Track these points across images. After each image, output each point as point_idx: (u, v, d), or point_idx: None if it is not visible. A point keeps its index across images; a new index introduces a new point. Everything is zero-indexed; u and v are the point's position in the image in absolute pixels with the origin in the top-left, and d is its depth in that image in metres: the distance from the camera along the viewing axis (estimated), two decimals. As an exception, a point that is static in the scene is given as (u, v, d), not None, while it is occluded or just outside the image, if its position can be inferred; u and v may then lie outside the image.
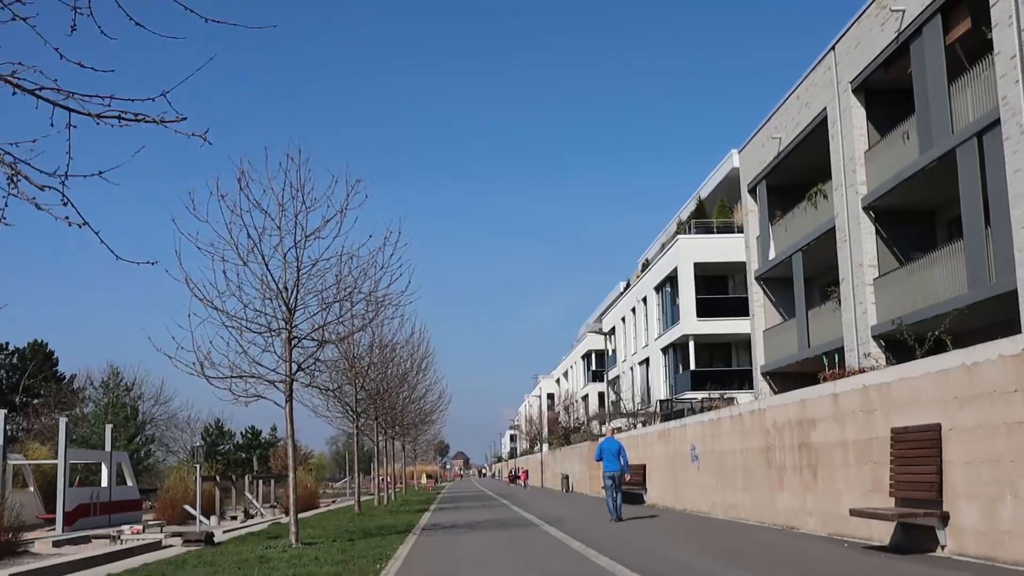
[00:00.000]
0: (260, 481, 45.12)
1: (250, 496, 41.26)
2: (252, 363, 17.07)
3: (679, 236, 46.30)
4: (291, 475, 17.22)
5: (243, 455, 66.20)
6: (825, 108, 27.22)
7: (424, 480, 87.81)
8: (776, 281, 33.68)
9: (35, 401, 58.89)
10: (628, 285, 64.96)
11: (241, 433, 73.81)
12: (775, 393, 29.00)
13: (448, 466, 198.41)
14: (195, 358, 16.24)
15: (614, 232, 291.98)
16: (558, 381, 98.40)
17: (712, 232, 45.93)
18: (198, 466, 36.13)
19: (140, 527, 25.97)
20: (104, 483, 37.93)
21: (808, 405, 15.22)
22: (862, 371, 18.28)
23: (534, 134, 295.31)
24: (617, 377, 62.42)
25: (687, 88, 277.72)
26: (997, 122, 18.73)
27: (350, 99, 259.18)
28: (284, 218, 16.85)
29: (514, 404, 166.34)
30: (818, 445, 14.82)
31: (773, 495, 17.05)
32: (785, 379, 31.82)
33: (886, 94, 25.38)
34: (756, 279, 34.15)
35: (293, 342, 17.17)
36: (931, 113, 21.58)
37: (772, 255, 32.57)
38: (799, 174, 31.36)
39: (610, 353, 67.34)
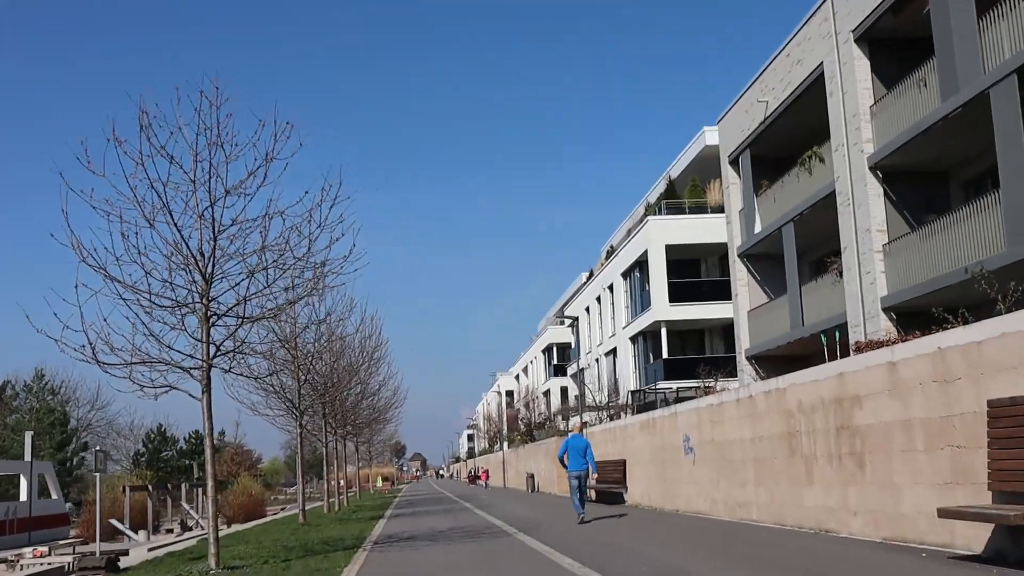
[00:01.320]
0: (200, 489, 41.52)
1: (187, 506, 37.78)
2: (163, 347, 13.86)
3: (649, 217, 43.50)
4: (209, 482, 13.96)
5: (187, 461, 62.21)
6: (822, 63, 24.45)
7: (379, 483, 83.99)
8: (761, 258, 30.96)
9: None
10: (591, 274, 62.15)
11: (184, 438, 69.79)
12: (761, 379, 26.21)
13: (405, 468, 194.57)
14: (85, 340, 12.99)
15: (570, 231, 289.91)
16: (517, 378, 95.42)
17: (684, 213, 43.17)
18: (130, 475, 32.68)
19: (45, 549, 22.52)
20: (24, 497, 34.26)
21: (850, 379, 12.31)
22: (882, 344, 15.50)
23: (485, 126, 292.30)
24: (582, 370, 59.51)
25: (647, 75, 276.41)
26: (1044, 51, 16.03)
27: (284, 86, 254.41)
28: (199, 170, 13.67)
29: (471, 403, 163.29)
30: (865, 428, 11.92)
31: (798, 491, 14.15)
32: (773, 363, 29.13)
33: (893, 43, 22.70)
34: (739, 256, 31.38)
35: (211, 319, 13.96)
36: (956, 54, 18.85)
37: (758, 229, 29.81)
38: (787, 142, 28.68)
39: (573, 346, 64.47)
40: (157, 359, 13.75)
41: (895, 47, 22.65)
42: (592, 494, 29.69)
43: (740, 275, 31.44)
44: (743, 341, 31.08)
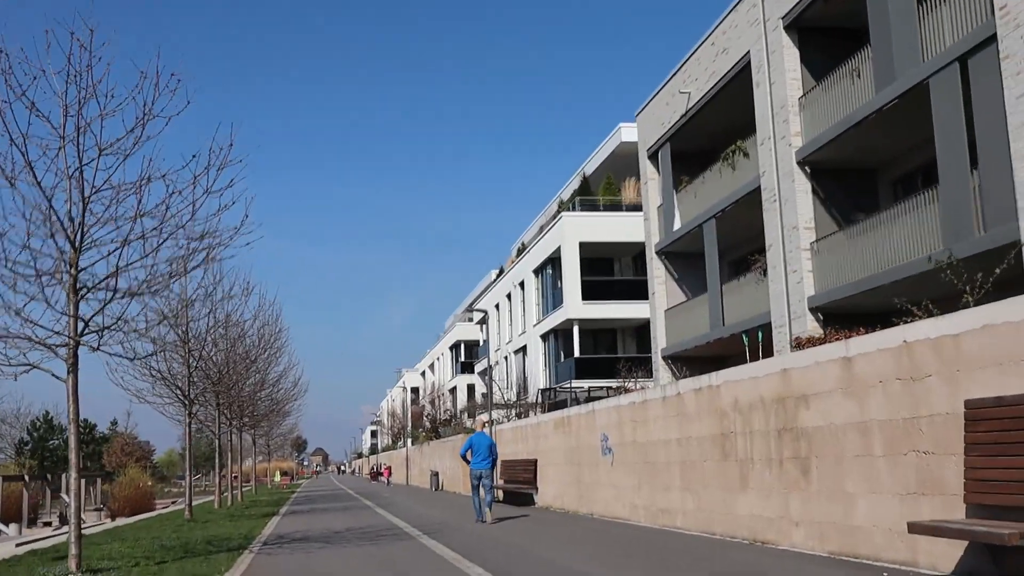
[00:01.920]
0: (84, 480, 38.95)
1: (67, 498, 35.19)
2: (25, 322, 12.09)
3: (563, 213, 42.46)
4: (72, 473, 12.21)
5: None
6: (749, 52, 23.65)
7: (278, 478, 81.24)
8: (680, 256, 30.16)
9: None
10: (501, 271, 60.99)
11: (70, 427, 66.17)
12: (677, 379, 25.36)
13: (306, 463, 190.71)
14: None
15: (476, 230, 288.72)
16: (423, 374, 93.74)
17: (598, 210, 42.27)
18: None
19: None
20: None
21: (796, 376, 11.28)
22: (823, 340, 14.61)
23: (387, 126, 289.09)
24: (490, 367, 58.29)
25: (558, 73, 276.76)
26: (990, 39, 15.32)
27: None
28: (68, 125, 11.94)
29: (376, 400, 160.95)
30: (812, 430, 10.89)
31: (731, 497, 13.10)
32: (691, 363, 28.33)
33: (823, 32, 22.01)
34: (657, 254, 30.51)
35: (80, 292, 12.23)
36: (893, 42, 18.14)
37: (677, 226, 28.97)
38: (709, 136, 27.98)
39: (482, 343, 63.23)
40: (17, 334, 11.98)
41: (826, 36, 21.95)
42: (500, 494, 28.50)
43: (658, 273, 30.58)
44: (660, 341, 30.22)
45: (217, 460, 30.06)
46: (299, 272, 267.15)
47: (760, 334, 21.87)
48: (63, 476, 36.53)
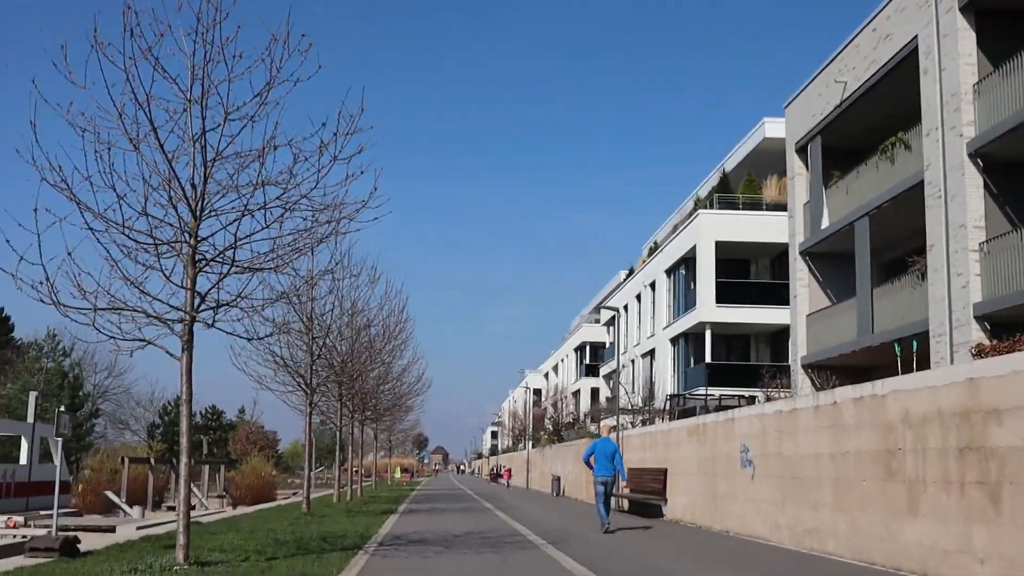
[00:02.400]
0: (208, 467, 39.34)
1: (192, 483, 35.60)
2: (143, 295, 11.54)
3: (700, 210, 40.78)
4: (183, 458, 11.61)
5: (201, 437, 60.11)
6: (916, 37, 21.71)
7: (398, 474, 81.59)
8: (826, 257, 28.22)
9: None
10: (631, 272, 59.50)
11: (201, 413, 67.57)
12: (818, 389, 23.58)
13: (427, 460, 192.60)
14: (43, 275, 10.69)
15: (600, 234, 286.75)
16: (547, 376, 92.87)
17: (737, 208, 40.42)
18: (144, 445, 30.62)
19: (20, 519, 20.34)
20: (24, 460, 32.27)
21: (986, 387, 9.69)
22: (1007, 348, 12.88)
23: (520, 130, 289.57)
24: (615, 371, 56.93)
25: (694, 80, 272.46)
26: None
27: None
28: (195, 88, 11.31)
29: (497, 400, 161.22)
30: (1006, 451, 9.30)
31: (896, 522, 11.53)
32: (833, 373, 26.35)
33: (1004, 15, 19.98)
34: (801, 254, 28.62)
35: (199, 264, 11.60)
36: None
37: (825, 224, 27.08)
38: (864, 129, 25.96)
39: (608, 345, 61.88)
40: (133, 307, 11.42)
41: (1006, 18, 19.91)
42: (624, 503, 27.20)
43: (801, 275, 28.69)
44: (800, 347, 28.34)
45: (338, 453, 29.69)
46: (426, 270, 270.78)
47: (915, 344, 20.03)
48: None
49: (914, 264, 22.41)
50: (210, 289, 11.52)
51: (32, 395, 33.14)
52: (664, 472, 22.98)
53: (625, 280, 57.89)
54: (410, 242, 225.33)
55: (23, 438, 32.76)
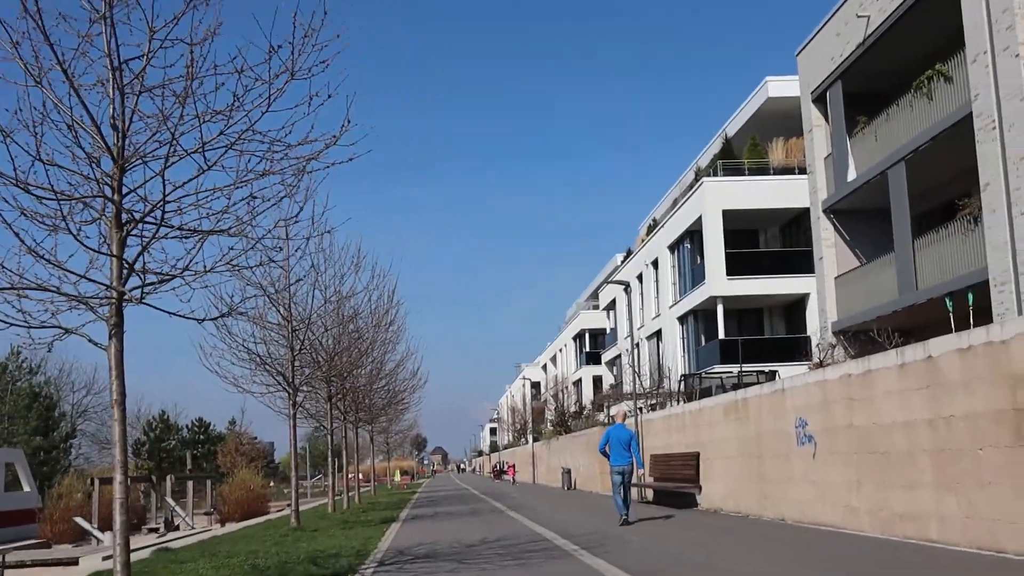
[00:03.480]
0: (193, 483, 36.63)
1: (172, 502, 32.87)
2: (55, 269, 8.98)
3: (704, 179, 38.26)
4: (117, 475, 8.97)
5: (186, 451, 57.25)
6: (953, -49, 19.34)
7: (398, 477, 78.73)
8: (853, 214, 25.86)
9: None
10: (629, 253, 57.04)
11: (187, 427, 64.59)
12: (852, 358, 21.12)
13: (427, 461, 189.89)
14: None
15: (586, 226, 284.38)
16: (544, 368, 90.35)
17: (742, 175, 37.96)
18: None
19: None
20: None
21: None
22: None
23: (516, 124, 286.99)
24: (619, 356, 54.50)
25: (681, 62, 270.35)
26: None
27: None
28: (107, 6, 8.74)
29: (494, 397, 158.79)
30: None
31: (1034, 501, 9.07)
32: (870, 339, 23.96)
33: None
34: (825, 212, 26.19)
35: (126, 225, 9.05)
36: None
37: (852, 176, 24.67)
38: (892, 68, 23.69)
39: (609, 331, 59.44)
40: (43, 284, 8.86)
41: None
42: (648, 493, 24.81)
43: (826, 235, 26.26)
44: (829, 313, 25.92)
45: (330, 458, 27.13)
46: (417, 269, 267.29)
47: (970, 296, 17.63)
48: (167, 479, 34.18)
49: (964, 208, 20.00)
50: (140, 254, 8.93)
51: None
52: (696, 457, 20.52)
53: (624, 261, 55.37)
54: (400, 238, 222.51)
55: (-16, 465, 30.06)
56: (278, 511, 37.62)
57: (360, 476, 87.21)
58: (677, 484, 21.13)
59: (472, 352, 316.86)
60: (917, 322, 22.44)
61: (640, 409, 28.35)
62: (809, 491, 14.61)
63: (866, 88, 24.99)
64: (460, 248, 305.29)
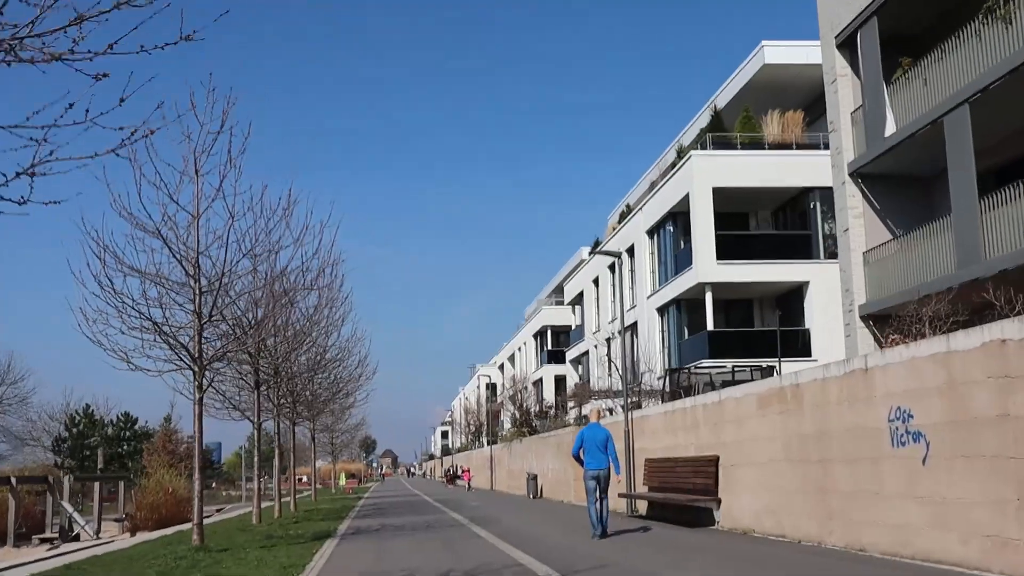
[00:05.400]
0: (101, 484, 31.60)
1: (69, 507, 27.89)
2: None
3: (692, 152, 34.20)
4: None
5: (119, 449, 51.91)
6: None
7: (343, 481, 73.26)
8: (885, 179, 21.90)
9: None
10: (597, 244, 52.99)
11: (112, 421, 58.97)
12: (883, 346, 16.96)
13: (375, 464, 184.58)
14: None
15: (553, 219, 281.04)
16: (501, 367, 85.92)
17: (734, 149, 34.03)
18: None
19: None
20: None
21: None
22: None
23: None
24: (586, 353, 50.32)
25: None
26: None
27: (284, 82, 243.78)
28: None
29: (446, 401, 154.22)
30: None
31: None
32: (908, 325, 19.94)
33: None
34: (852, 176, 22.18)
35: None
36: None
37: (890, 130, 20.68)
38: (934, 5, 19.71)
39: (575, 327, 55.23)
40: None
41: None
42: (638, 505, 20.65)
43: (853, 203, 22.22)
44: (856, 295, 21.90)
45: (256, 459, 22.42)
46: (366, 274, 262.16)
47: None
48: (64, 479, 29.08)
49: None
50: None
51: None
52: (714, 462, 16.30)
53: (592, 254, 51.16)
54: (353, 241, 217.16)
55: None
56: (207, 517, 32.86)
57: (303, 479, 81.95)
58: (688, 496, 16.85)
59: (423, 355, 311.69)
60: (976, 302, 18.46)
61: (627, 405, 24.06)
62: (915, 511, 10.40)
63: (905, 29, 21.10)
64: (403, 252, 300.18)
